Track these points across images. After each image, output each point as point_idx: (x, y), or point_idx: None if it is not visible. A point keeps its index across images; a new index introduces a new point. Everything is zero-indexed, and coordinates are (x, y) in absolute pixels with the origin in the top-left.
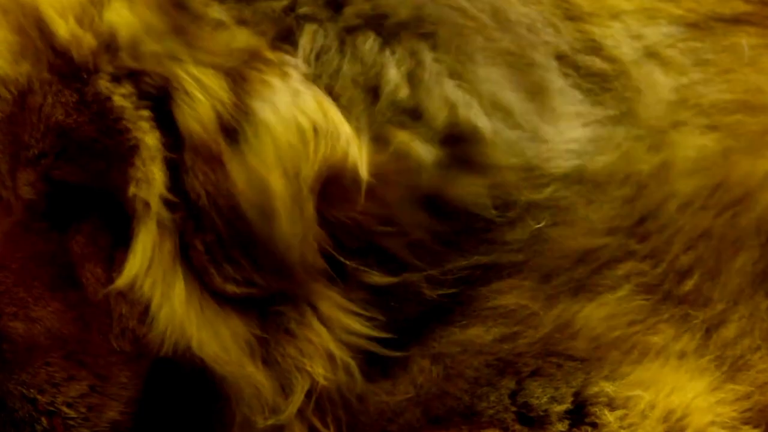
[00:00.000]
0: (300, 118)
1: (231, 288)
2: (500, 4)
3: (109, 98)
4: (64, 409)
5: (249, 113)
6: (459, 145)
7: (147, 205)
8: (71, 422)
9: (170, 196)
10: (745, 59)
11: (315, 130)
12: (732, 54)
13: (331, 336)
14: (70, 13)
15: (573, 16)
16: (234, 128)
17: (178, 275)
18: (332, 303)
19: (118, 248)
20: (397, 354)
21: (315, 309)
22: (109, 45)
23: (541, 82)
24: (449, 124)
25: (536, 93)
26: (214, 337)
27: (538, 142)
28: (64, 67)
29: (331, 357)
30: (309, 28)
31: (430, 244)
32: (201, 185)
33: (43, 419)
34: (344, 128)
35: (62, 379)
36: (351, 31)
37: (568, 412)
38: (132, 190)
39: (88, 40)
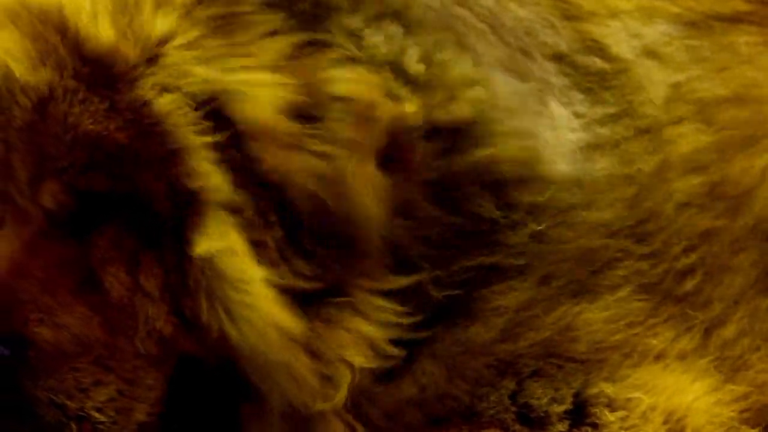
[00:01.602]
0: (361, 92)
1: (299, 284)
2: (498, 10)
3: (146, 104)
4: (93, 413)
5: (319, 93)
6: (462, 138)
7: (211, 198)
8: (100, 426)
9: (235, 193)
10: (743, 57)
11: (373, 102)
12: (730, 52)
13: (368, 327)
14: (106, 21)
15: (572, 16)
16: (306, 111)
17: (251, 269)
18: (366, 295)
19: (144, 251)
20: (404, 353)
21: (352, 300)
22: (152, 58)
23: (541, 83)
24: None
25: (536, 95)
26: (267, 328)
27: (538, 145)
28: (95, 75)
29: (368, 348)
30: (337, 17)
31: (438, 242)
32: (274, 171)
33: (72, 424)
34: (390, 93)
35: (90, 384)
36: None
37: (568, 412)
38: (192, 185)
39: (130, 51)
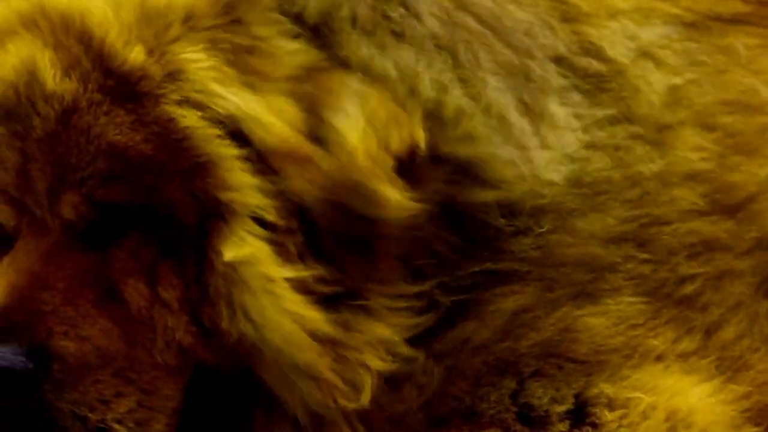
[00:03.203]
0: (370, 116)
1: (320, 288)
2: (498, 12)
3: (173, 120)
4: (114, 425)
5: (326, 124)
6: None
7: (239, 207)
8: None
9: (261, 201)
10: (741, 59)
11: (385, 123)
12: (728, 54)
13: (385, 330)
14: (131, 36)
15: (570, 18)
16: (317, 137)
17: (271, 270)
18: (381, 299)
19: (162, 262)
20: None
21: (369, 304)
22: (177, 76)
23: (540, 86)
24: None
25: (536, 98)
26: (292, 331)
27: (538, 149)
28: (120, 90)
29: (386, 351)
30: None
31: (445, 251)
32: (294, 183)
33: None
34: (403, 116)
35: (111, 395)
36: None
37: (568, 412)
38: (222, 195)
39: (156, 69)
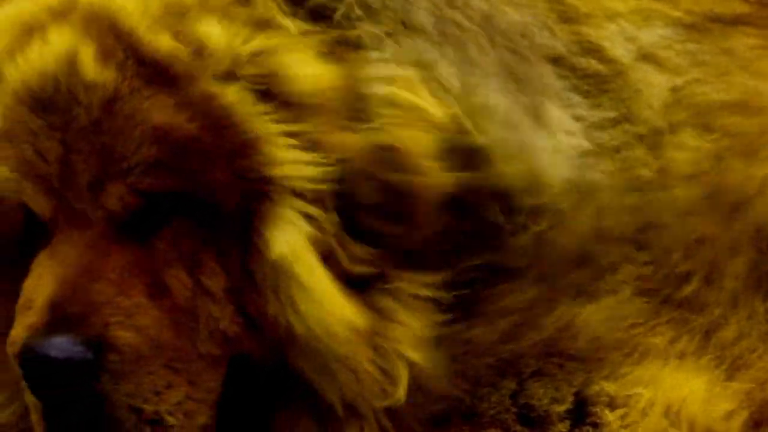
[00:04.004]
0: (403, 89)
1: (358, 268)
2: (492, 13)
3: (213, 97)
4: (167, 417)
5: (361, 93)
6: (465, 152)
7: (286, 185)
8: (171, 430)
9: (309, 174)
10: (743, 61)
11: (415, 103)
12: (730, 56)
13: (417, 322)
14: (160, 25)
15: (568, 18)
16: (352, 99)
17: (315, 257)
18: (410, 287)
19: (204, 251)
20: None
21: (399, 290)
22: (199, 51)
23: (538, 86)
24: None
25: (533, 98)
26: (332, 321)
27: (537, 149)
28: (156, 76)
29: (420, 342)
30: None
31: (447, 244)
32: (332, 151)
33: (147, 428)
34: (424, 92)
35: (163, 387)
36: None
37: (568, 412)
38: (268, 172)
39: (183, 51)
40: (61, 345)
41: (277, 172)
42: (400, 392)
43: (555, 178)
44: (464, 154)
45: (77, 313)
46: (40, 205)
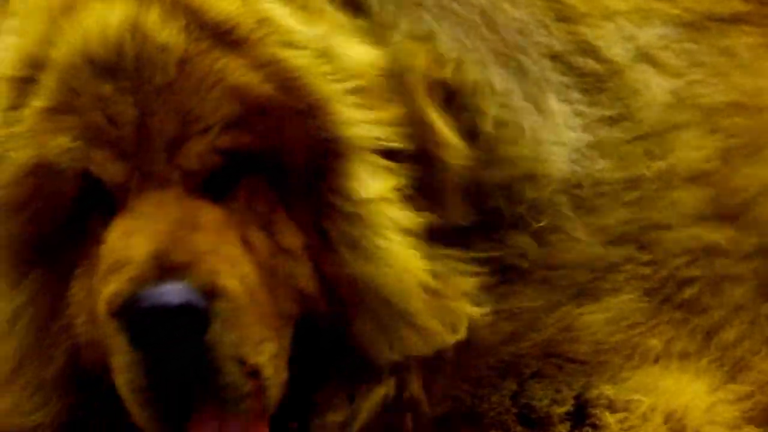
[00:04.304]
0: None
1: (423, 219)
2: (489, 8)
3: (281, 60)
4: (265, 370)
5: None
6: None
7: (359, 143)
8: (266, 383)
9: (382, 133)
10: (742, 61)
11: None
12: (729, 56)
13: (468, 284)
14: None
15: (565, 17)
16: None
17: (400, 213)
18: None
19: (277, 210)
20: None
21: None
22: (264, 22)
23: (537, 80)
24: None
25: (534, 88)
26: (407, 281)
27: (541, 139)
28: (220, 39)
29: (473, 301)
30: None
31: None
32: (380, 119)
33: (247, 380)
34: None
35: (261, 339)
36: None
37: (569, 413)
38: (340, 132)
39: (247, 18)
40: (176, 291)
41: (350, 131)
42: (461, 334)
43: (556, 171)
44: (470, 133)
45: (185, 262)
46: (111, 171)
